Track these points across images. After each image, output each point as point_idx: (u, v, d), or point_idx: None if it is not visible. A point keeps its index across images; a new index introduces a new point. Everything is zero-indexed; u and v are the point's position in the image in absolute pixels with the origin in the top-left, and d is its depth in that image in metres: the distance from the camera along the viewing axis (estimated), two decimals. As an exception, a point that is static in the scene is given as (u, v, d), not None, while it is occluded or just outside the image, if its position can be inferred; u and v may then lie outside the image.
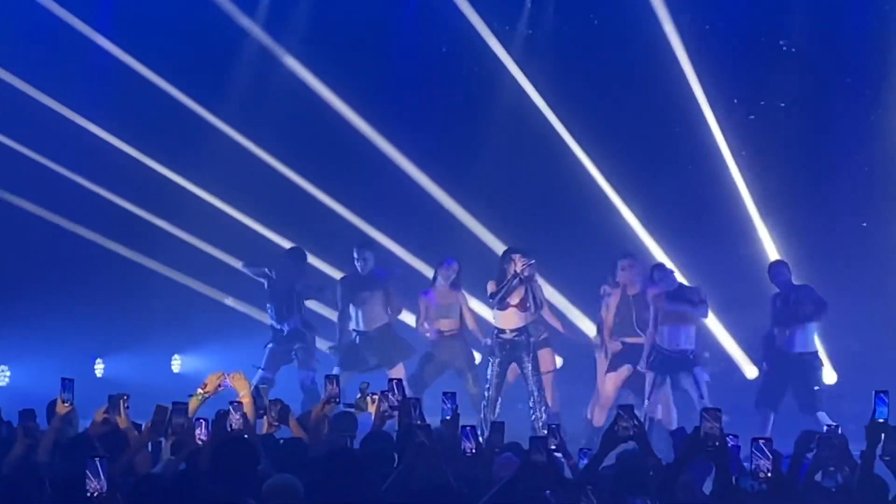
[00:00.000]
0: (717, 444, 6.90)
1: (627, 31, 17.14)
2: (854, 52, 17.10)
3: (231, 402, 8.70)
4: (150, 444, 8.67)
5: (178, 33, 17.39)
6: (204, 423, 8.39)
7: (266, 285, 15.14)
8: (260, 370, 14.82)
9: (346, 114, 17.62)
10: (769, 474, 6.74)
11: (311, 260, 15.99)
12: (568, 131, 17.58)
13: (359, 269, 14.78)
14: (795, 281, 14.36)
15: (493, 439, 9.50)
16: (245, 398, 8.98)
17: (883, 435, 7.74)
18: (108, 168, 17.28)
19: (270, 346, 15.02)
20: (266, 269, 15.14)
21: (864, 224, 17.07)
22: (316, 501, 7.34)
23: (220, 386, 9.10)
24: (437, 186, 17.87)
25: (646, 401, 13.65)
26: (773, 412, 13.76)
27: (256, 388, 9.80)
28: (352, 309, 14.83)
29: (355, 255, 14.80)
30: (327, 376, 9.57)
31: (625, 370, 14.20)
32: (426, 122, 18.06)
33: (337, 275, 15.96)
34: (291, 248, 15.61)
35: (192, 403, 8.98)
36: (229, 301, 17.55)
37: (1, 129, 16.55)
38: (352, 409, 9.68)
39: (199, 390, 9.06)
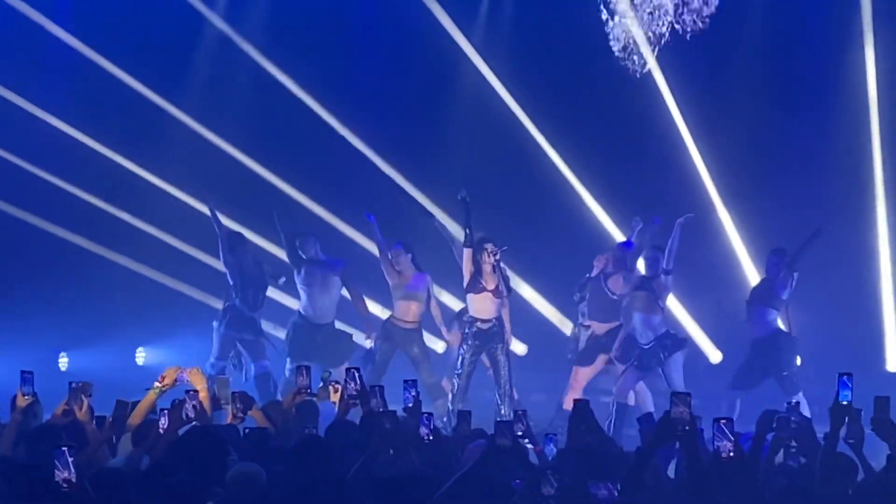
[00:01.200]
0: (686, 428, 6.94)
1: (588, 17, 17.13)
2: (814, 43, 17.14)
3: (187, 392, 8.70)
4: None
5: (136, 22, 17.32)
6: (166, 413, 8.42)
7: (239, 274, 14.81)
8: (212, 360, 14.68)
9: (309, 102, 17.60)
10: (731, 455, 6.79)
11: (277, 251, 15.95)
12: (530, 119, 17.60)
13: (305, 256, 14.67)
14: (762, 272, 14.49)
15: (461, 428, 9.56)
16: (202, 392, 8.97)
17: (847, 418, 7.79)
18: (67, 160, 17.24)
19: (224, 331, 14.72)
20: (244, 254, 14.80)
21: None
22: (285, 490, 7.36)
23: (177, 380, 9.08)
24: (401, 174, 17.89)
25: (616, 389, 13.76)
26: (741, 393, 13.81)
27: (218, 378, 9.79)
28: (303, 295, 14.76)
29: (298, 243, 14.69)
30: (298, 367, 9.57)
31: (601, 360, 14.26)
32: (388, 110, 18.06)
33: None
34: (238, 234, 15.26)
35: (150, 396, 8.98)
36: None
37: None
38: (314, 399, 9.68)
39: (157, 384, 9.03)
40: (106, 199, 17.47)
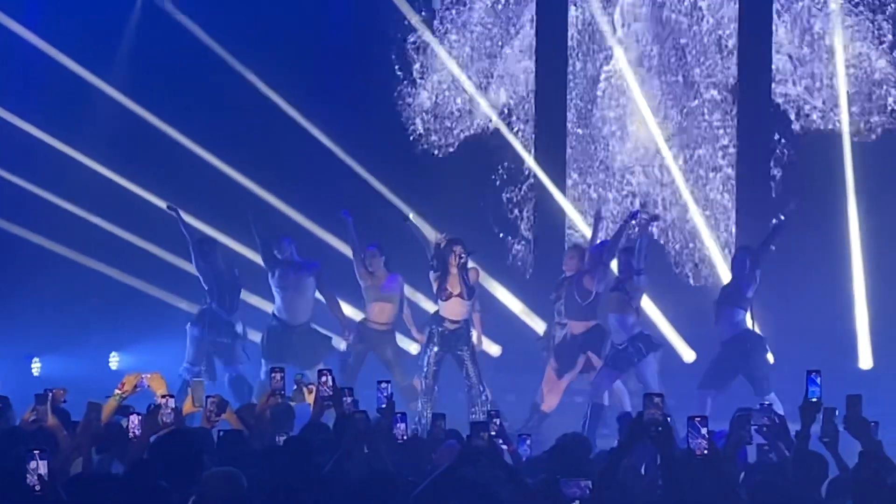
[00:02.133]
0: (659, 429, 6.97)
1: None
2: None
3: (163, 396, 8.69)
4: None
5: (113, 28, 17.34)
6: (137, 417, 8.39)
7: (213, 278, 14.77)
8: (187, 364, 14.64)
9: (283, 106, 17.62)
10: (705, 452, 6.83)
11: (242, 250, 15.96)
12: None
13: (281, 256, 14.67)
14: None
15: (434, 429, 9.59)
16: (163, 398, 8.96)
17: (821, 416, 7.84)
18: (39, 165, 17.22)
19: (199, 335, 14.69)
20: (216, 260, 14.79)
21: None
22: (261, 492, 7.37)
23: (137, 386, 9.05)
24: (376, 179, 17.96)
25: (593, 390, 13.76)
26: (713, 392, 13.83)
27: (194, 381, 9.78)
28: (277, 297, 14.74)
29: (274, 244, 14.70)
30: (272, 368, 9.57)
31: (581, 361, 14.28)
32: (350, 104, 18.14)
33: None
34: (210, 240, 15.31)
35: (110, 404, 8.92)
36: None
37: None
38: (288, 401, 9.68)
39: (117, 391, 8.99)
40: (79, 204, 17.44)
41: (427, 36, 18.06)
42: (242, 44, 17.69)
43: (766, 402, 9.71)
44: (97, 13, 17.46)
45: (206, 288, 14.72)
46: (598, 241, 14.56)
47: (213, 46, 17.57)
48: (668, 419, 7.12)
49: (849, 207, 16.98)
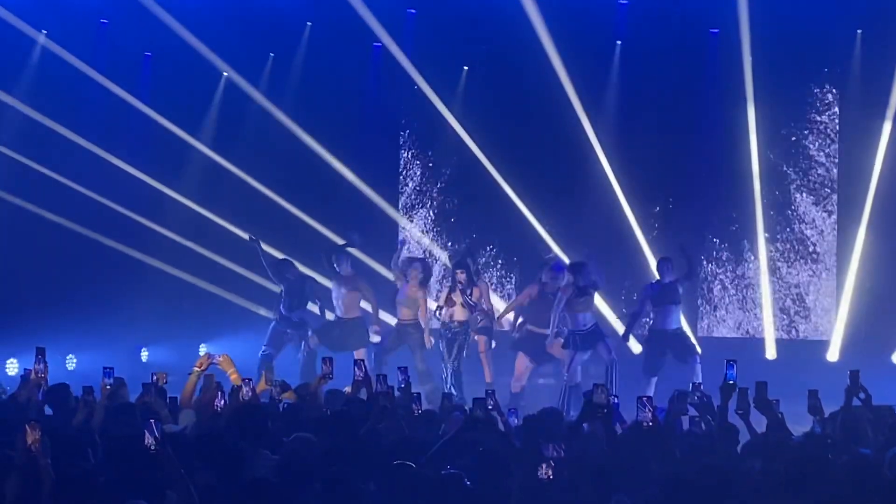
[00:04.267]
0: (605, 410, 7.05)
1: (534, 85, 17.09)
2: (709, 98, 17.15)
3: (243, 379, 8.74)
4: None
5: (190, 87, 17.31)
6: (221, 394, 8.48)
7: (284, 284, 14.87)
8: (263, 346, 14.76)
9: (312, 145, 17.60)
10: (650, 424, 6.85)
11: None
12: (489, 161, 17.56)
13: (339, 270, 14.72)
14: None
15: (444, 404, 9.59)
16: (233, 375, 9.05)
17: (736, 395, 7.84)
18: (146, 203, 17.26)
19: (275, 325, 14.86)
20: (288, 275, 14.86)
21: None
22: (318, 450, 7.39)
23: (210, 363, 9.15)
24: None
25: (565, 372, 13.51)
26: (655, 377, 13.70)
27: (268, 367, 9.91)
28: (334, 300, 14.77)
29: (334, 260, 14.74)
30: (323, 358, 9.58)
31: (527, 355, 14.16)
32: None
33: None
34: (283, 262, 15.33)
35: (192, 379, 9.08)
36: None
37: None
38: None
39: (196, 368, 9.08)
40: (174, 230, 17.47)
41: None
42: (297, 108, 17.68)
43: (699, 382, 9.66)
44: (192, 87, 17.44)
45: (279, 294, 14.87)
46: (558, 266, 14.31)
47: (281, 118, 17.56)
48: (614, 401, 7.19)
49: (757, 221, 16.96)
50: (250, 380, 8.66)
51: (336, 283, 14.68)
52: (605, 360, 13.43)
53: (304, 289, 14.91)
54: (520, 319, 14.35)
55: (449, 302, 13.98)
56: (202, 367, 9.10)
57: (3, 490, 6.12)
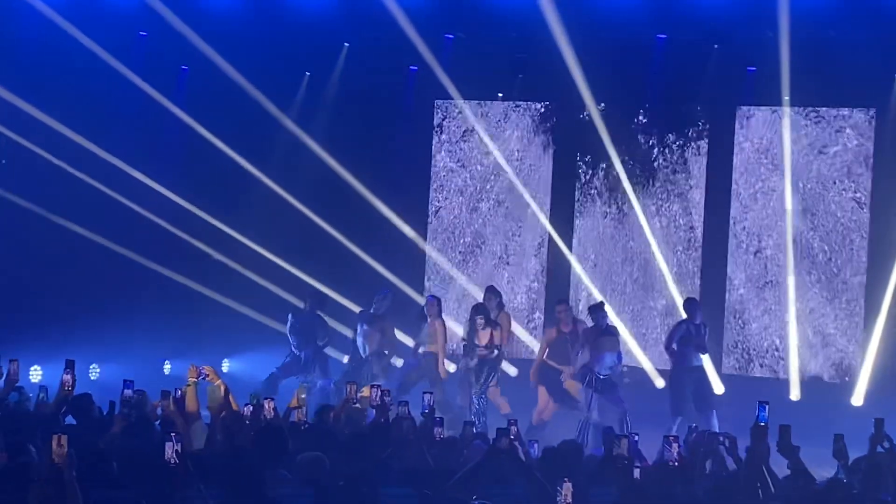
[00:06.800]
0: (626, 462, 7.12)
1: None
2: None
3: (265, 398, 8.76)
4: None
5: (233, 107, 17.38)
6: (248, 409, 8.48)
7: (290, 323, 15.12)
8: (275, 369, 14.94)
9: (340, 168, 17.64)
10: (676, 463, 6.80)
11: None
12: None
13: (373, 310, 14.88)
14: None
15: (465, 432, 9.55)
16: (220, 386, 9.00)
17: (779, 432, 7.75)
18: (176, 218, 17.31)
19: (288, 359, 15.06)
20: (290, 316, 15.15)
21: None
22: (337, 470, 7.37)
23: (199, 375, 9.12)
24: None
25: (587, 411, 13.51)
26: (681, 416, 13.60)
27: (300, 386, 9.99)
28: (359, 337, 14.88)
29: (374, 300, 14.90)
30: (347, 382, 9.60)
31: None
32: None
33: (354, 308, 16.00)
34: (316, 292, 15.53)
35: (189, 392, 9.04)
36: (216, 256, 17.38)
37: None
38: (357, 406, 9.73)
39: (190, 380, 9.08)
40: (207, 247, 17.54)
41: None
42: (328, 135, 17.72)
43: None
44: (226, 102, 17.47)
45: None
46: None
47: (310, 143, 17.59)
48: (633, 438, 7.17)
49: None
50: (272, 399, 8.67)
51: (361, 321, 14.82)
52: (619, 411, 13.45)
53: (312, 330, 15.02)
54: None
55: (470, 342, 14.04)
56: (195, 378, 9.10)
57: (26, 501, 6.07)
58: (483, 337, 13.93)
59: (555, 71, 16.02)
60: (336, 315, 16.16)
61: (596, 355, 13.58)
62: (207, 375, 9.10)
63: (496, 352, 14.01)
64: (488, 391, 14.10)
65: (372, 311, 14.83)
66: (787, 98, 16.28)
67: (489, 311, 14.15)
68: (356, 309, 15.66)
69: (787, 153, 16.61)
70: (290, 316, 15.21)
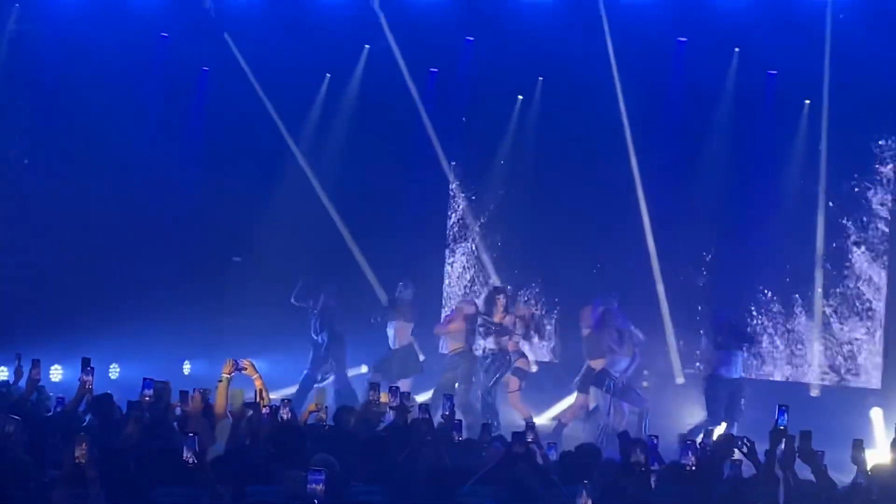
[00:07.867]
0: (643, 469, 7.07)
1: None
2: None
3: (282, 399, 8.74)
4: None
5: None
6: (269, 410, 8.47)
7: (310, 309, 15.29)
8: (306, 370, 15.00)
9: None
10: (694, 467, 6.77)
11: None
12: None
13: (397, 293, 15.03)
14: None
15: (483, 434, 9.52)
16: (257, 381, 8.96)
17: (798, 437, 7.70)
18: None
19: (312, 351, 15.15)
20: (311, 302, 15.26)
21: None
22: (354, 472, 7.35)
23: (235, 369, 9.01)
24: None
25: (605, 414, 13.51)
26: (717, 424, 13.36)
27: (318, 388, 9.98)
28: (389, 329, 14.96)
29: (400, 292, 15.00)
30: (370, 383, 9.57)
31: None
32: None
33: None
34: (331, 284, 15.59)
35: (221, 387, 8.94)
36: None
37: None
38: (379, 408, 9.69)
39: (224, 375, 8.96)
40: (229, 249, 17.59)
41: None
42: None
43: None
44: (246, 103, 17.45)
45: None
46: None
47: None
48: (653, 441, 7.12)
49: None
50: (289, 400, 8.66)
51: (391, 313, 14.86)
52: (638, 410, 13.40)
53: (325, 314, 15.16)
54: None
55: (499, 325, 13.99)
56: (229, 374, 9.05)
57: (50, 501, 6.08)
58: (499, 316, 13.94)
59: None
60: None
61: (612, 360, 13.55)
62: (245, 369, 8.96)
63: (509, 339, 13.98)
64: (510, 397, 14.08)
65: (396, 294, 14.97)
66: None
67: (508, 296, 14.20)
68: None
69: None
70: (310, 301, 15.28)
